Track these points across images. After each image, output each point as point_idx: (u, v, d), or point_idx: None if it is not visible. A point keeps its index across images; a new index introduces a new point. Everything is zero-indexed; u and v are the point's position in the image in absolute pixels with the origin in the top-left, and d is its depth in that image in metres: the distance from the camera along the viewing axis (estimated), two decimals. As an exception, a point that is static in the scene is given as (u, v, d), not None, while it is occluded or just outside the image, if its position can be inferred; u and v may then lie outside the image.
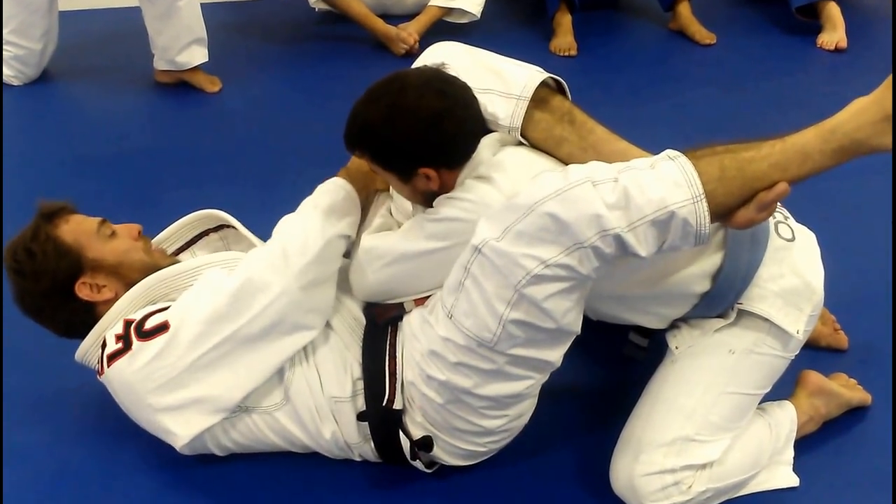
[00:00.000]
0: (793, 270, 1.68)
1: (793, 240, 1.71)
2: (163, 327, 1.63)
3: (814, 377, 1.90)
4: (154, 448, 1.83)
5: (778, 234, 1.70)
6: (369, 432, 1.71)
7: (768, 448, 1.77)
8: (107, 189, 2.75)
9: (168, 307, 1.68)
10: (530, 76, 1.67)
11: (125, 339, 1.66)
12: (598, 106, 3.54)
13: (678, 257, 1.63)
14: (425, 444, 1.68)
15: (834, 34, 3.70)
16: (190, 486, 1.82)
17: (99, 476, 1.84)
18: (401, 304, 1.69)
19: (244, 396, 1.67)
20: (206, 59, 3.40)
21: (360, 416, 1.69)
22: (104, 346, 1.69)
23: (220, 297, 1.63)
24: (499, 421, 1.66)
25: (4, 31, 3.31)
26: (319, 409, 1.71)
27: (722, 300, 1.67)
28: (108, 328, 1.71)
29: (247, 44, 3.80)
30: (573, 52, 3.68)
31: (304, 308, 1.66)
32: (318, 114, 3.06)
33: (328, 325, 1.74)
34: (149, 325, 1.65)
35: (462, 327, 1.52)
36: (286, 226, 1.72)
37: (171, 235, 1.98)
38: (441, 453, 1.72)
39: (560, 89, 1.75)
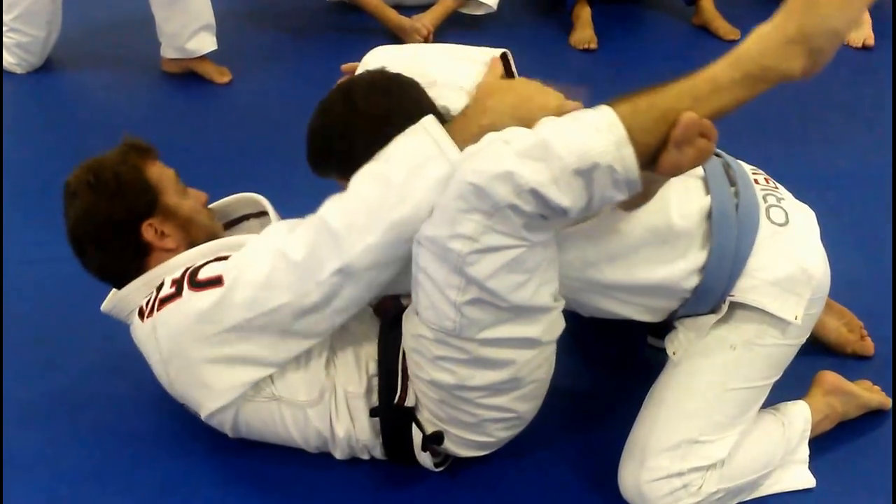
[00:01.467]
0: (787, 257, 1.64)
1: (786, 223, 1.67)
2: (217, 281, 1.61)
3: (830, 377, 1.88)
4: (151, 446, 1.82)
5: (770, 219, 1.66)
6: (380, 428, 1.70)
7: (781, 446, 1.75)
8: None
9: (227, 257, 1.66)
10: (473, 66, 1.70)
11: (178, 285, 1.65)
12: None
13: (661, 247, 1.61)
14: (436, 438, 1.68)
15: (861, 31, 3.66)
16: (190, 485, 1.79)
17: (94, 476, 1.82)
18: (397, 297, 1.69)
19: (288, 359, 1.65)
20: (216, 47, 3.36)
21: (373, 412, 1.68)
22: (160, 288, 1.69)
23: (279, 264, 1.58)
24: (500, 412, 1.65)
25: (8, 18, 3.28)
26: (338, 407, 1.70)
27: (711, 293, 1.64)
28: (167, 275, 1.70)
29: (257, 34, 3.78)
30: (593, 46, 3.64)
31: (361, 287, 1.59)
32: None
33: (347, 321, 1.70)
34: (203, 275, 1.64)
35: (427, 321, 1.53)
36: (359, 191, 1.57)
37: (217, 211, 1.95)
38: (452, 446, 1.71)
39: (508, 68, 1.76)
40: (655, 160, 1.44)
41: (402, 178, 1.50)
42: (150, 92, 3.36)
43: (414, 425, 1.68)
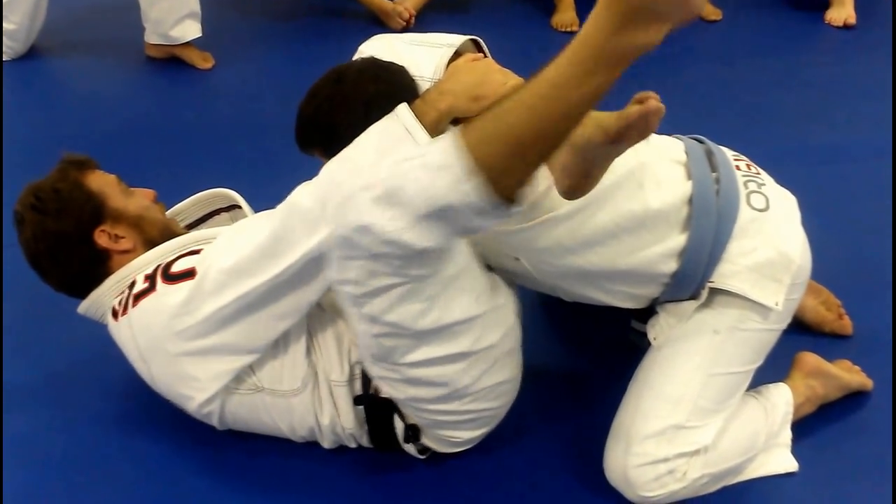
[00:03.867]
0: (767, 242, 1.64)
1: (766, 209, 1.66)
2: (190, 273, 1.62)
3: (810, 358, 1.88)
4: (137, 433, 1.82)
5: (750, 205, 1.65)
6: (365, 417, 1.70)
7: (763, 430, 1.75)
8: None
9: (200, 251, 1.67)
10: (442, 54, 1.69)
11: (152, 280, 1.66)
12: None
13: (639, 232, 1.61)
14: (413, 431, 1.69)
15: (842, 10, 3.68)
16: (176, 472, 1.80)
17: (80, 462, 1.82)
18: None
19: (267, 344, 1.65)
20: (200, 34, 3.35)
21: (357, 400, 1.69)
22: (132, 286, 1.70)
23: (246, 250, 1.58)
24: (457, 416, 1.66)
25: (-9, 5, 3.26)
26: (322, 396, 1.71)
27: (691, 279, 1.64)
28: (138, 272, 1.71)
29: (240, 19, 3.76)
30: (575, 28, 3.63)
31: (332, 267, 1.59)
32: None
33: (327, 309, 1.72)
34: (176, 268, 1.65)
35: (359, 346, 1.57)
36: (329, 174, 1.55)
37: (182, 210, 1.96)
38: (429, 441, 1.72)
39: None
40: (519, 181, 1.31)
41: (369, 162, 1.48)
42: (133, 77, 3.34)
43: (396, 415, 1.68)
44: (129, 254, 1.76)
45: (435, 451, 1.77)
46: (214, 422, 1.75)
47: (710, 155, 1.70)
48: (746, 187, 1.67)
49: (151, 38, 3.35)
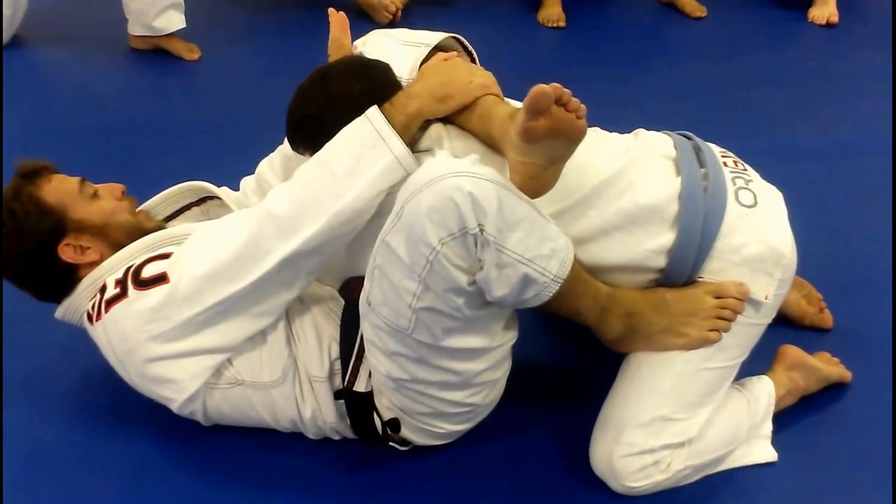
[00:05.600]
0: (756, 237, 1.64)
1: (754, 205, 1.67)
2: (161, 278, 1.61)
3: (792, 351, 1.90)
4: (127, 425, 1.82)
5: (738, 201, 1.66)
6: (346, 411, 1.70)
7: (746, 423, 1.77)
8: (79, 161, 2.57)
9: (170, 254, 1.65)
10: (418, 54, 1.71)
11: (123, 285, 1.64)
12: (585, 79, 3.53)
13: (630, 228, 1.62)
14: (393, 424, 1.68)
15: (825, 8, 3.69)
16: (167, 464, 1.79)
17: (73, 455, 1.81)
18: (362, 279, 1.67)
19: (244, 340, 1.66)
20: (184, 25, 3.33)
21: (337, 395, 1.69)
22: (103, 290, 1.67)
23: (222, 255, 1.59)
24: (454, 406, 1.66)
25: (-27, -4, 3.23)
26: (303, 389, 1.70)
27: (679, 275, 1.65)
28: (107, 275, 1.69)
29: (227, 10, 3.74)
30: (561, 24, 3.64)
31: (306, 270, 1.64)
32: (298, 84, 2.98)
33: (309, 304, 1.73)
34: (147, 273, 1.63)
35: (382, 317, 1.53)
36: (304, 181, 1.61)
37: (153, 207, 1.93)
38: (410, 434, 1.72)
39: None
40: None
41: (345, 168, 1.55)
42: (118, 69, 3.31)
43: (375, 413, 1.68)
44: (97, 264, 1.73)
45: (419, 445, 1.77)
46: (199, 419, 1.75)
47: (698, 151, 1.71)
48: (734, 184, 1.68)
49: (135, 29, 3.32)
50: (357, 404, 1.68)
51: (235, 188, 2.02)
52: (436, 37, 1.76)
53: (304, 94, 1.69)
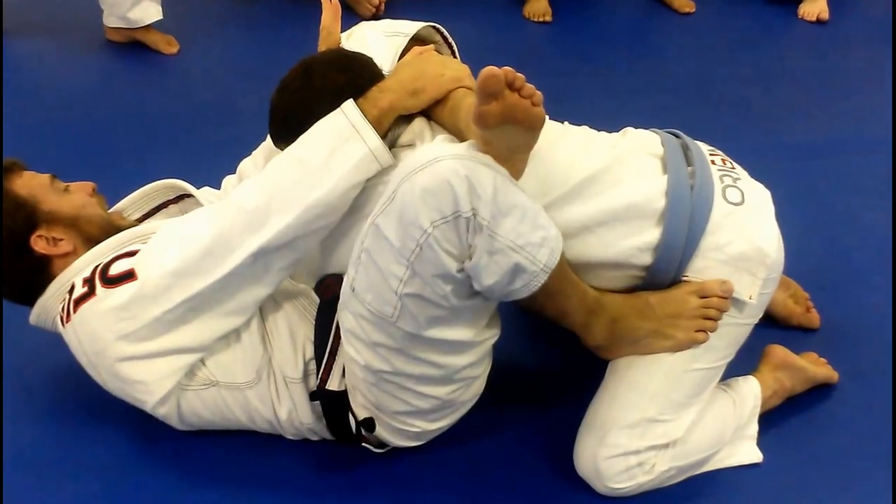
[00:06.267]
0: (742, 236, 1.64)
1: (741, 203, 1.66)
2: (129, 275, 1.60)
3: (779, 351, 1.90)
4: (108, 423, 1.81)
5: (725, 199, 1.65)
6: (322, 412, 1.70)
7: (732, 424, 1.77)
8: (55, 156, 2.58)
9: (137, 251, 1.65)
10: (397, 45, 1.73)
11: (90, 283, 1.63)
12: (572, 74, 3.51)
13: (615, 225, 1.62)
14: (367, 424, 1.67)
15: (815, 5, 3.69)
16: (146, 467, 1.78)
17: (57, 459, 1.80)
18: (340, 277, 1.65)
19: (216, 339, 1.65)
20: (161, 17, 3.29)
21: (312, 396, 1.69)
22: (72, 291, 1.67)
23: (190, 250, 1.58)
24: (432, 401, 1.65)
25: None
26: (278, 389, 1.70)
27: (665, 273, 1.64)
28: (76, 276, 1.68)
29: (205, 2, 3.71)
30: (548, 19, 3.64)
31: (279, 264, 1.63)
32: (279, 77, 2.96)
33: (283, 303, 1.72)
34: (114, 270, 1.62)
35: (366, 303, 1.51)
36: (276, 174, 1.60)
37: (128, 206, 1.93)
38: (385, 434, 1.70)
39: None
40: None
41: (319, 161, 1.56)
42: (94, 62, 3.28)
43: (349, 413, 1.67)
44: (70, 256, 1.73)
45: (390, 448, 1.75)
46: (174, 422, 1.73)
47: (685, 149, 1.70)
48: (722, 182, 1.67)
49: (110, 20, 3.28)
50: (332, 404, 1.66)
51: (216, 185, 2.01)
52: (416, 26, 1.76)
53: (286, 88, 1.68)
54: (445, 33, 1.81)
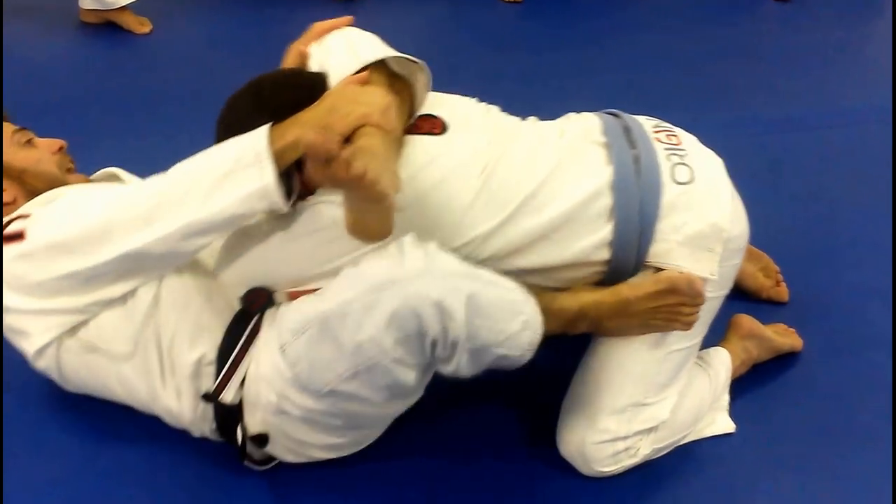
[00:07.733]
0: (695, 215, 1.62)
1: (692, 181, 1.63)
2: (18, 236, 1.58)
3: (745, 321, 1.92)
4: (111, 427, 1.81)
5: (674, 180, 1.62)
6: (212, 415, 1.65)
7: (708, 400, 1.79)
8: None
9: (34, 214, 1.62)
10: (350, 68, 1.60)
11: None
12: (544, 53, 3.50)
13: (569, 225, 1.60)
14: (260, 440, 1.63)
15: (781, -18, 3.70)
16: (145, 466, 1.78)
17: (57, 459, 1.80)
18: (270, 293, 1.61)
19: (93, 302, 1.60)
20: (135, -1, 3.28)
21: (205, 397, 1.62)
22: None
23: (74, 229, 1.54)
24: (342, 439, 1.65)
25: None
26: (164, 376, 1.64)
27: (625, 264, 1.63)
28: None
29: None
30: (520, -1, 3.65)
31: (145, 272, 1.60)
32: (254, 58, 2.84)
33: (204, 298, 1.65)
34: (11, 228, 1.60)
35: (294, 367, 1.48)
36: (173, 180, 1.54)
37: None
38: (280, 452, 1.67)
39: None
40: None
41: (212, 180, 1.48)
42: (67, 44, 3.26)
43: (240, 426, 1.63)
44: (10, 206, 1.71)
45: (275, 465, 1.73)
46: (55, 377, 1.70)
47: (627, 131, 1.67)
48: (669, 160, 1.64)
49: (85, 2, 3.27)
50: (224, 412, 1.63)
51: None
52: (379, 54, 1.62)
53: (233, 107, 1.60)
54: (419, 62, 1.64)
